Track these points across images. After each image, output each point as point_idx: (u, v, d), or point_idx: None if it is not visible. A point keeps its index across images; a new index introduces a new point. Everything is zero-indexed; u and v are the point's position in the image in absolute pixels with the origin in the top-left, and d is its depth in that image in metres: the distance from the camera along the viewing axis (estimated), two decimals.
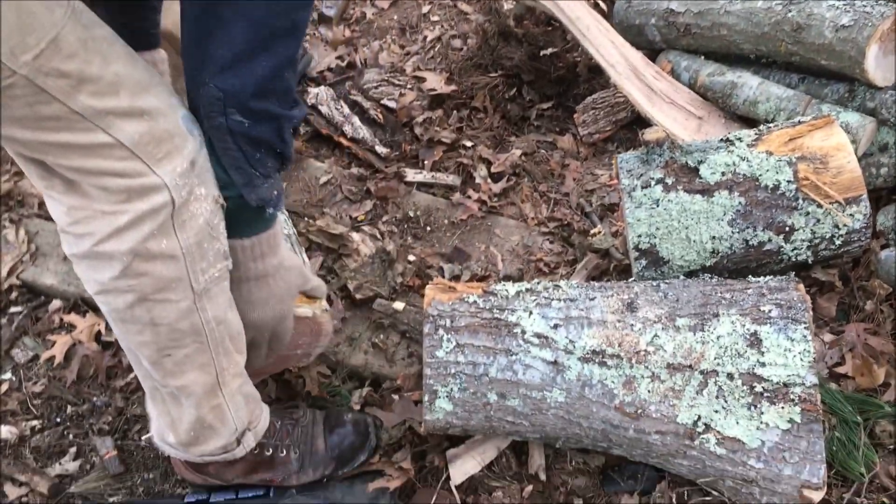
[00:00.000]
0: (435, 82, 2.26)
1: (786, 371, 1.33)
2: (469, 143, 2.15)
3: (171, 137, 1.12)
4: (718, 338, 1.37)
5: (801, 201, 1.53)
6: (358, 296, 1.83)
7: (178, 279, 1.19)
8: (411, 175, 2.07)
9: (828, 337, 1.63)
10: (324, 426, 1.59)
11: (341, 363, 1.75)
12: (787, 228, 1.54)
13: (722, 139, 1.62)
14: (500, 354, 1.42)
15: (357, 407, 1.68)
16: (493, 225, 1.97)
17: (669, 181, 1.57)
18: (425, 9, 2.61)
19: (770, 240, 1.55)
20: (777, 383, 1.33)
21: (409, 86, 2.26)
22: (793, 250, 1.57)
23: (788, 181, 1.53)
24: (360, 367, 1.75)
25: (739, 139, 1.60)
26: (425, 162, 2.12)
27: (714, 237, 1.56)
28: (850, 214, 1.53)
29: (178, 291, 1.20)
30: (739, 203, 1.54)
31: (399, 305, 1.78)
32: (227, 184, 1.20)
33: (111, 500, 1.64)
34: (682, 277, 1.57)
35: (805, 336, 1.34)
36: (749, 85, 1.93)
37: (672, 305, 1.43)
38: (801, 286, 1.41)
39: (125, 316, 1.21)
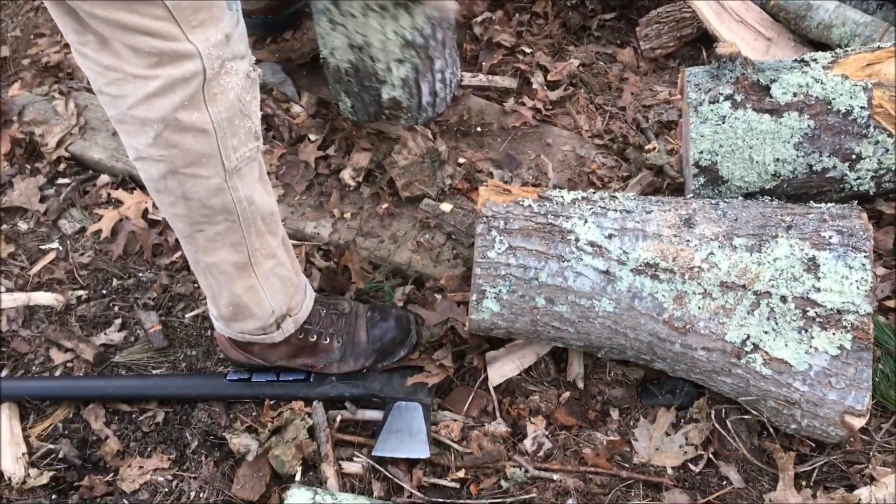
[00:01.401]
0: None
1: (841, 298, 1.32)
2: (528, 49, 2.09)
3: (210, 7, 1.09)
4: (775, 260, 1.35)
5: (871, 129, 1.49)
6: (405, 193, 1.82)
7: (210, 154, 1.18)
8: (467, 79, 2.03)
9: (881, 270, 1.60)
10: (367, 319, 1.60)
11: (386, 260, 1.76)
12: (853, 156, 1.51)
13: (796, 59, 1.57)
14: (551, 260, 1.42)
15: (400, 304, 1.69)
16: (546, 134, 1.94)
17: (738, 98, 1.53)
18: None
19: (835, 166, 1.52)
20: (831, 309, 1.32)
21: None
22: (856, 179, 1.54)
23: (862, 107, 1.48)
24: (405, 265, 1.75)
25: (815, 60, 1.55)
26: (483, 64, 2.07)
27: (778, 159, 1.53)
28: None
29: (209, 167, 1.20)
30: (808, 126, 1.50)
31: (447, 207, 1.77)
32: None
33: (154, 372, 1.67)
34: (740, 198, 1.54)
35: (864, 265, 1.33)
36: (825, 7, 1.86)
37: (730, 224, 1.41)
38: (864, 215, 1.38)
39: (159, 186, 1.22)
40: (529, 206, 1.47)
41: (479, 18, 2.15)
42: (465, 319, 1.57)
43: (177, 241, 1.84)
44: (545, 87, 2.03)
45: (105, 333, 1.73)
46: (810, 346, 1.32)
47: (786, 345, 1.33)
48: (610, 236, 1.41)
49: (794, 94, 1.51)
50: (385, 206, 1.82)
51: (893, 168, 1.52)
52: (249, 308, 1.41)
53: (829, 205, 1.43)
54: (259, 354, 1.53)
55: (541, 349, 1.60)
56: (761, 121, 1.52)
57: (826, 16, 1.85)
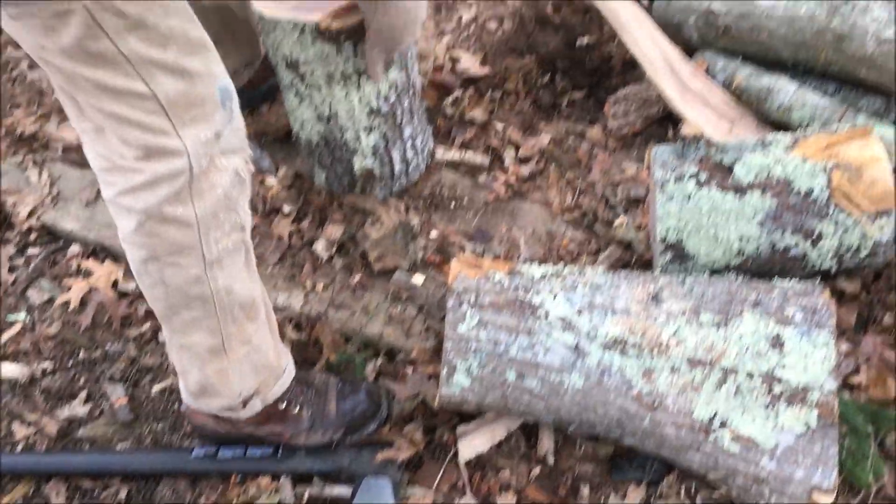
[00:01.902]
0: (469, 62, 2.25)
1: (805, 375, 1.33)
2: (500, 125, 2.14)
3: (203, 103, 1.13)
4: (741, 336, 1.37)
5: (832, 209, 1.53)
6: (378, 266, 1.83)
7: (190, 246, 1.21)
8: (440, 153, 2.07)
9: (844, 346, 1.63)
10: (337, 391, 1.60)
11: (357, 332, 1.76)
12: (815, 235, 1.55)
13: (758, 140, 1.62)
14: (522, 334, 1.43)
15: (371, 377, 1.69)
16: (518, 208, 1.97)
17: (703, 177, 1.57)
18: None
19: (797, 244, 1.56)
20: (796, 386, 1.33)
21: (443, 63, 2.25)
22: (818, 257, 1.57)
23: (822, 188, 1.53)
24: (376, 338, 1.75)
25: (776, 141, 1.60)
26: (456, 139, 2.12)
27: (742, 237, 1.56)
28: (879, 227, 1.53)
29: (189, 258, 1.22)
30: (771, 205, 1.54)
31: (419, 279, 1.78)
32: None
33: (118, 446, 1.64)
34: (706, 274, 1.57)
35: (827, 342, 1.35)
36: (786, 90, 1.93)
37: (697, 300, 1.43)
38: (827, 292, 1.41)
39: (140, 269, 1.25)
40: (500, 280, 1.49)
41: (451, 98, 2.20)
42: (436, 393, 1.56)
43: (147, 312, 1.84)
44: (517, 163, 2.07)
45: (69, 407, 1.70)
46: (777, 424, 1.33)
47: (753, 422, 1.34)
48: (579, 311, 1.43)
49: (757, 175, 1.56)
50: (357, 278, 1.83)
51: (854, 247, 1.56)
52: (215, 389, 1.41)
53: (793, 282, 1.46)
54: (226, 421, 1.52)
55: (512, 423, 1.60)
56: (725, 199, 1.56)
57: (786, 98, 1.92)
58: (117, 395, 1.71)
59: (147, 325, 1.82)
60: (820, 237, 1.55)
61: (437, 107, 2.21)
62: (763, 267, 1.61)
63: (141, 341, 1.81)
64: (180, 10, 1.10)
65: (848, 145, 1.56)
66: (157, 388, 1.73)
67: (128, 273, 1.90)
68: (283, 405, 1.52)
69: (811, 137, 1.60)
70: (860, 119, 1.81)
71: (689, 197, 1.58)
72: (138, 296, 1.86)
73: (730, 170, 1.58)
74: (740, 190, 1.56)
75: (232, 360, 1.38)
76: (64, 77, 1.09)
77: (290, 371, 1.54)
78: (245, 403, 1.46)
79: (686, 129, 1.61)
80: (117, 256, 1.93)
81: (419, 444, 1.57)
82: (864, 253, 1.57)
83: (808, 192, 1.54)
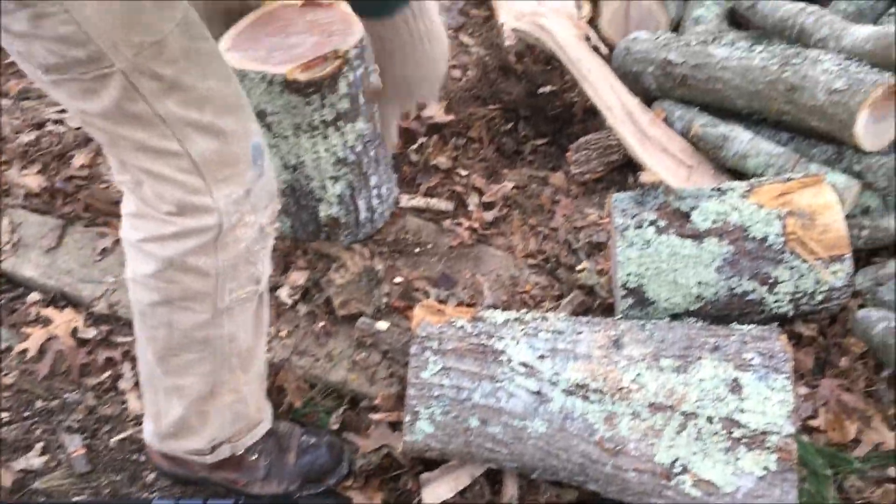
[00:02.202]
0: (434, 110, 2.28)
1: (764, 419, 1.35)
2: (464, 172, 2.17)
3: (236, 163, 1.17)
4: (700, 381, 1.39)
5: (787, 255, 1.56)
6: (342, 312, 1.83)
7: (205, 294, 1.23)
8: (405, 200, 2.09)
9: (803, 390, 1.66)
10: (299, 442, 1.58)
11: (321, 378, 1.75)
12: (771, 280, 1.58)
13: (715, 188, 1.66)
14: (484, 380, 1.43)
15: (335, 427, 1.67)
16: (482, 254, 1.99)
17: (662, 224, 1.61)
18: None
19: (754, 290, 1.59)
20: (755, 430, 1.35)
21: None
22: (775, 302, 1.60)
23: (776, 234, 1.57)
24: (340, 385, 1.74)
25: (732, 189, 1.64)
26: (420, 185, 2.14)
27: (701, 282, 1.59)
28: (833, 272, 1.57)
29: (202, 304, 1.24)
30: (728, 251, 1.58)
31: (383, 325, 1.78)
32: None
33: (75, 499, 1.61)
34: (666, 319, 1.59)
35: (785, 386, 1.37)
36: (740, 139, 1.98)
37: (657, 345, 1.45)
38: (784, 337, 1.44)
39: (146, 310, 1.27)
40: (463, 326, 1.49)
41: (416, 144, 2.23)
42: (400, 442, 1.55)
43: (107, 360, 1.81)
44: (480, 209, 2.10)
45: (25, 458, 1.67)
46: (737, 468, 1.34)
47: (713, 466, 1.35)
48: (542, 357, 1.44)
49: (714, 221, 1.59)
50: (321, 324, 1.83)
51: (809, 292, 1.59)
52: (191, 432, 1.41)
53: (751, 326, 1.49)
54: (183, 463, 1.50)
55: (476, 470, 1.59)
56: (684, 245, 1.59)
57: (741, 147, 1.97)
58: (75, 446, 1.67)
59: (106, 374, 1.80)
60: (776, 282, 1.58)
61: (402, 154, 2.23)
62: (722, 311, 1.63)
63: (100, 390, 1.78)
64: (217, 71, 1.13)
65: (801, 193, 1.61)
66: (115, 438, 1.70)
67: (87, 320, 1.88)
68: (240, 452, 1.50)
69: (766, 185, 1.64)
70: (812, 167, 1.86)
71: (649, 243, 1.60)
72: (98, 343, 1.84)
73: (687, 216, 1.61)
74: (698, 236, 1.59)
75: (217, 405, 1.38)
76: (104, 136, 1.13)
77: (266, 425, 1.53)
78: (214, 449, 1.45)
79: (645, 177, 1.64)
80: (77, 304, 1.91)
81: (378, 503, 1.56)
82: (819, 297, 1.61)
83: (764, 239, 1.57)
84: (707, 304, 1.62)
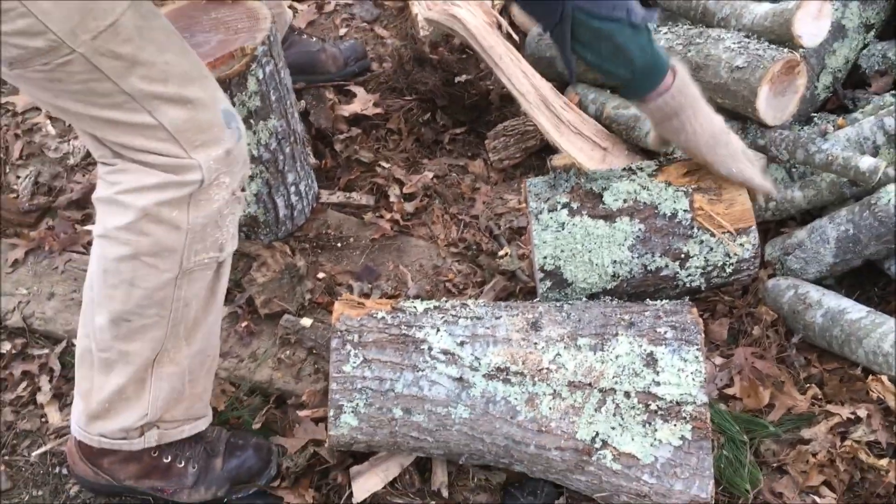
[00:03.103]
0: (363, 101, 2.28)
1: (678, 390, 1.39)
2: (385, 164, 2.17)
3: (210, 127, 1.24)
4: (617, 357, 1.42)
5: (695, 230, 1.60)
6: (265, 311, 1.81)
7: (173, 250, 1.27)
8: (325, 196, 2.08)
9: (718, 360, 1.71)
10: (225, 446, 1.57)
11: (246, 379, 1.73)
12: (682, 255, 1.62)
13: (625, 168, 1.69)
14: (406, 370, 1.44)
15: (257, 426, 1.66)
16: (404, 245, 1.99)
17: (575, 206, 1.63)
18: (342, 31, 2.63)
19: (667, 265, 1.63)
20: (670, 402, 1.39)
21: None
22: (687, 276, 1.64)
23: (685, 210, 1.60)
24: (265, 383, 1.73)
25: (641, 168, 1.68)
26: (340, 179, 2.13)
27: (615, 261, 1.62)
28: (741, 244, 1.62)
29: (167, 261, 1.28)
30: (639, 229, 1.61)
31: (307, 322, 1.78)
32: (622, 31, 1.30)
33: None
34: (584, 299, 1.62)
35: (697, 357, 1.41)
36: None
37: (574, 325, 1.47)
38: (695, 310, 1.48)
39: (110, 266, 1.29)
40: (383, 317, 1.50)
41: (342, 136, 2.22)
42: (326, 438, 1.55)
43: (23, 373, 1.77)
44: (402, 200, 2.10)
45: None
46: (655, 439, 1.38)
47: (632, 439, 1.39)
48: (462, 343, 1.45)
49: (625, 201, 1.62)
50: (244, 324, 1.81)
51: (719, 264, 1.64)
52: (125, 404, 1.39)
53: (664, 301, 1.53)
54: (108, 470, 1.47)
55: (405, 460, 1.60)
56: (597, 226, 1.62)
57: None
58: None
59: (23, 387, 1.75)
60: (687, 257, 1.62)
61: (324, 149, 2.22)
62: (638, 288, 1.67)
63: (18, 405, 1.74)
64: (174, 45, 1.21)
65: (706, 170, 1.65)
66: (36, 452, 1.66)
67: (1, 334, 1.82)
68: (168, 459, 1.48)
69: (673, 164, 1.68)
70: None
71: (563, 225, 1.63)
72: (13, 357, 1.79)
73: (600, 197, 1.64)
74: (610, 216, 1.62)
75: (155, 374, 1.38)
76: (78, 120, 1.22)
77: (199, 426, 1.51)
78: (143, 431, 1.43)
79: (556, 161, 1.67)
80: None
81: (310, 501, 1.56)
82: (729, 270, 1.65)
83: (673, 215, 1.61)
84: (623, 282, 1.65)
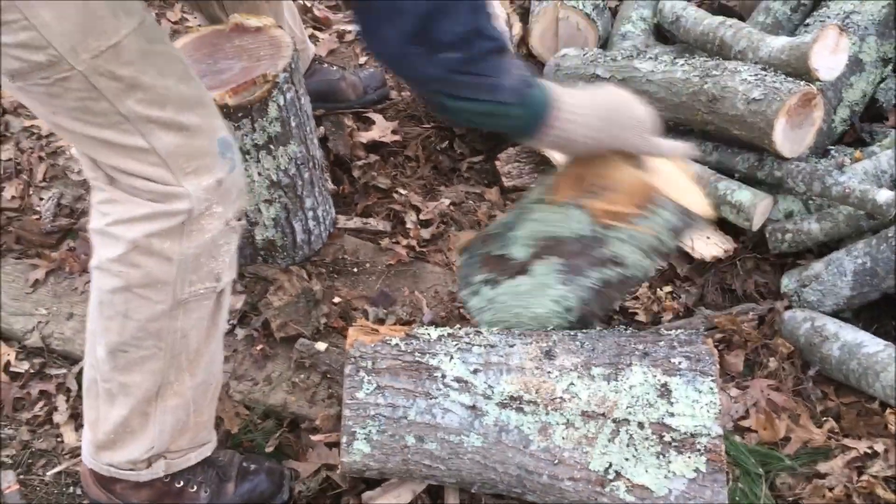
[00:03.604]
0: (382, 129, 2.30)
1: (693, 421, 1.38)
2: (402, 191, 2.19)
3: (203, 156, 1.22)
4: (631, 387, 1.42)
5: (608, 232, 1.50)
6: (280, 334, 1.82)
7: (165, 282, 1.25)
8: (342, 221, 2.10)
9: (734, 391, 1.70)
10: (238, 470, 1.57)
11: (260, 402, 1.74)
12: (612, 258, 1.50)
13: (509, 215, 1.63)
14: (419, 397, 1.44)
15: (270, 449, 1.66)
16: (420, 270, 2.00)
17: (491, 277, 1.58)
18: (362, 59, 2.67)
19: (605, 273, 1.52)
20: (685, 433, 1.38)
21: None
22: (630, 269, 1.52)
23: (586, 223, 1.50)
24: (279, 407, 1.74)
25: (523, 209, 1.60)
26: (357, 205, 2.15)
27: (556, 300, 1.53)
28: (646, 217, 1.48)
29: (161, 293, 1.26)
30: (558, 264, 1.53)
31: (322, 346, 1.78)
32: (494, 109, 1.20)
33: None
34: (597, 328, 1.62)
35: (712, 388, 1.40)
36: None
37: (588, 354, 1.47)
38: (710, 340, 1.48)
39: (105, 298, 1.28)
40: (397, 344, 1.50)
41: (360, 162, 2.25)
42: (339, 463, 1.55)
43: (41, 393, 1.79)
44: (418, 226, 2.12)
45: None
46: (668, 471, 1.37)
47: (646, 471, 1.38)
48: (475, 371, 1.46)
49: (530, 247, 1.54)
50: (259, 347, 1.82)
51: (651, 244, 1.49)
52: (130, 437, 1.39)
53: (679, 331, 1.52)
54: (121, 495, 1.47)
55: (417, 486, 1.60)
56: (519, 284, 1.56)
57: None
58: (8, 482, 1.64)
59: (40, 406, 1.77)
60: (616, 256, 1.50)
61: (342, 174, 2.24)
62: (603, 300, 1.57)
63: (34, 424, 1.75)
64: (176, 71, 1.20)
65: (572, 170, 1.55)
66: (51, 472, 1.67)
67: (20, 354, 1.85)
68: (180, 484, 1.48)
69: (543, 186, 1.59)
70: (721, 185, 1.91)
71: (492, 300, 1.57)
72: (31, 377, 1.81)
73: (506, 258, 1.56)
74: (525, 269, 1.55)
75: (159, 408, 1.37)
76: (74, 138, 1.21)
77: (205, 452, 1.51)
78: (150, 463, 1.43)
79: (457, 244, 1.64)
80: (8, 338, 1.88)
81: None
82: (664, 238, 1.50)
83: (580, 234, 1.51)
84: (584, 305, 1.55)
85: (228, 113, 1.66)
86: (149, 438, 1.40)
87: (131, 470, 1.43)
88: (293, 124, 1.81)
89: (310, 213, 1.96)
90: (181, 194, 1.21)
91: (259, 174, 1.80)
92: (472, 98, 1.17)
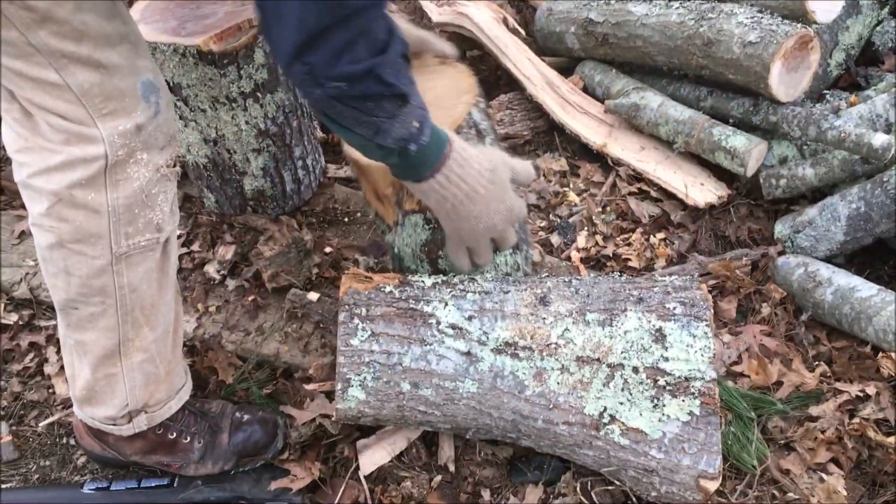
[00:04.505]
0: None
1: (687, 366, 1.38)
2: None
3: (121, 96, 1.16)
4: (625, 332, 1.42)
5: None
6: (272, 284, 1.81)
7: (98, 235, 1.21)
8: (332, 170, 2.07)
9: (727, 337, 1.70)
10: (231, 420, 1.57)
11: (253, 352, 1.73)
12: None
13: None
14: (414, 344, 1.43)
15: (267, 393, 1.66)
16: None
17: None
18: None
19: None
20: (679, 377, 1.38)
21: None
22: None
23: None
24: (272, 357, 1.73)
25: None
26: None
27: None
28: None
29: (96, 247, 1.23)
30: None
31: (314, 296, 1.77)
32: (367, 143, 1.14)
33: (4, 486, 1.57)
34: (591, 275, 1.61)
35: (706, 333, 1.40)
36: (650, 107, 2.01)
37: (583, 300, 1.47)
38: (704, 286, 1.47)
39: (45, 254, 1.25)
40: (391, 291, 1.49)
41: None
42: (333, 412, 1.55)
43: (30, 344, 1.77)
44: None
45: None
46: (663, 415, 1.38)
47: (640, 414, 1.38)
48: (470, 318, 1.45)
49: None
50: (251, 298, 1.81)
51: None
52: (102, 396, 1.38)
53: (673, 277, 1.52)
54: (113, 446, 1.47)
55: (412, 434, 1.60)
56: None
57: (651, 115, 2.00)
58: (1, 434, 1.63)
59: (30, 358, 1.75)
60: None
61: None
62: None
63: (25, 376, 1.74)
64: (96, 6, 1.13)
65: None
66: (43, 423, 1.67)
67: (8, 305, 1.83)
68: (173, 435, 1.48)
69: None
70: (716, 131, 1.89)
71: None
72: (20, 328, 1.79)
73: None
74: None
75: (125, 366, 1.36)
76: None
77: (183, 397, 1.50)
78: (130, 418, 1.42)
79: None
80: None
81: (316, 473, 1.56)
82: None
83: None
84: None
85: (213, 60, 1.63)
86: (122, 396, 1.38)
87: (113, 425, 1.43)
88: (280, 71, 1.77)
89: (299, 163, 1.93)
90: (94, 137, 1.15)
91: (246, 123, 1.77)
92: (351, 130, 1.12)
